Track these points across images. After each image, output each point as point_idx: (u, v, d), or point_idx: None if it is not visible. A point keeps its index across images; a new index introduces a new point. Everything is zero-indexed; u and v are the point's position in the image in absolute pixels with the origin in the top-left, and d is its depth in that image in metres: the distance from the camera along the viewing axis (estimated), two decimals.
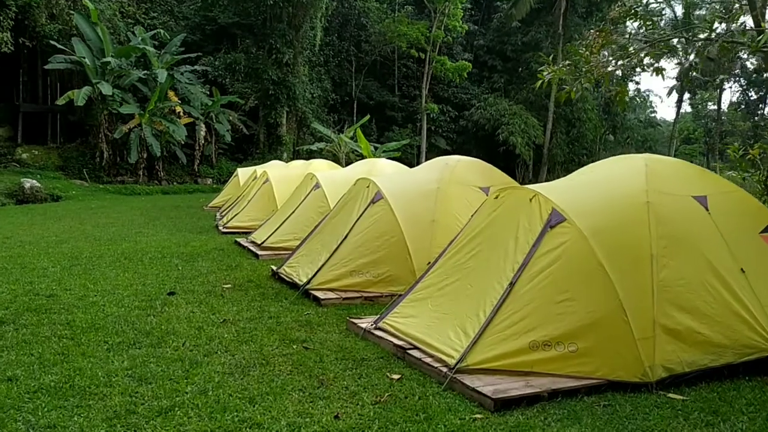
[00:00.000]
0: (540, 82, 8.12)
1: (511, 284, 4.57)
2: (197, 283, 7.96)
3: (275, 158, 28.69)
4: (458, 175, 7.83)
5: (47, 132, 29.93)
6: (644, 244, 4.67)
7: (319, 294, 7.00)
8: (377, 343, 5.37)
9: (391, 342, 5.18)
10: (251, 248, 10.71)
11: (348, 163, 22.50)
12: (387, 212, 7.31)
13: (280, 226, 10.54)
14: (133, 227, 14.30)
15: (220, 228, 13.94)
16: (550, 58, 9.82)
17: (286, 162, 21.00)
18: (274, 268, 8.48)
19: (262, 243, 10.45)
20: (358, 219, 7.45)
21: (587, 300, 4.44)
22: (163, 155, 27.45)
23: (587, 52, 7.80)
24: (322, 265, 7.27)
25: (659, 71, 7.99)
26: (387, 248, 7.16)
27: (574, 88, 8.32)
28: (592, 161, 34.29)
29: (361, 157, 25.54)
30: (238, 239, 11.89)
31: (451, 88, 42.79)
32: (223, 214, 16.76)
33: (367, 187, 7.75)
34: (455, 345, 4.61)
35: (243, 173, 19.28)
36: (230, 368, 4.83)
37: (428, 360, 4.74)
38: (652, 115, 69.46)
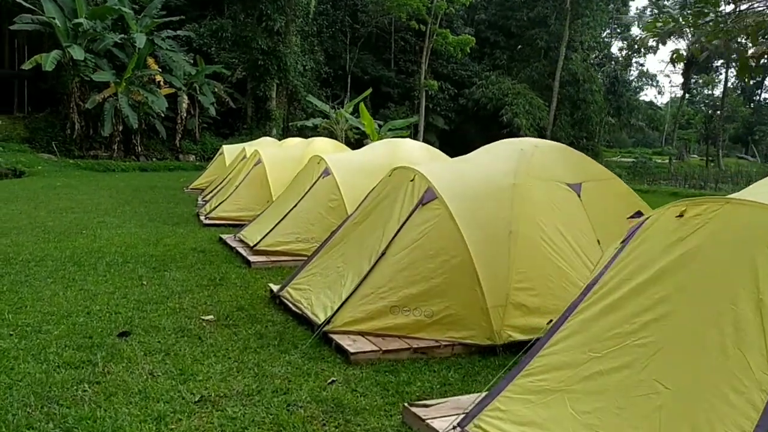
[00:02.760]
0: (648, 35, 5.85)
1: None
2: (165, 312, 5.61)
3: (264, 134, 26.21)
4: (538, 167, 5.50)
5: (13, 100, 27.24)
6: None
7: (347, 343, 4.67)
8: None
9: None
10: (240, 250, 8.35)
11: (348, 142, 20.06)
12: (444, 219, 4.98)
13: (278, 223, 8.17)
14: (96, 214, 11.87)
15: (202, 218, 11.55)
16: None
17: (279, 140, 18.57)
18: (274, 288, 6.14)
19: (255, 245, 8.07)
20: (400, 228, 5.12)
21: None
22: (141, 128, 24.92)
23: None
24: (350, 296, 4.94)
25: None
26: (446, 273, 4.84)
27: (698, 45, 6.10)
28: (593, 144, 31.92)
29: (363, 135, 23.08)
30: (223, 236, 9.51)
31: (451, 64, 40.42)
32: (205, 198, 14.35)
33: (411, 180, 5.40)
34: None
35: (229, 151, 16.83)
36: None
37: None
38: (658, 96, 67.92)
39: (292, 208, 8.19)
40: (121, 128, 24.36)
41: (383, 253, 5.04)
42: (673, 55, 6.88)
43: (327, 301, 5.18)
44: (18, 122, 25.71)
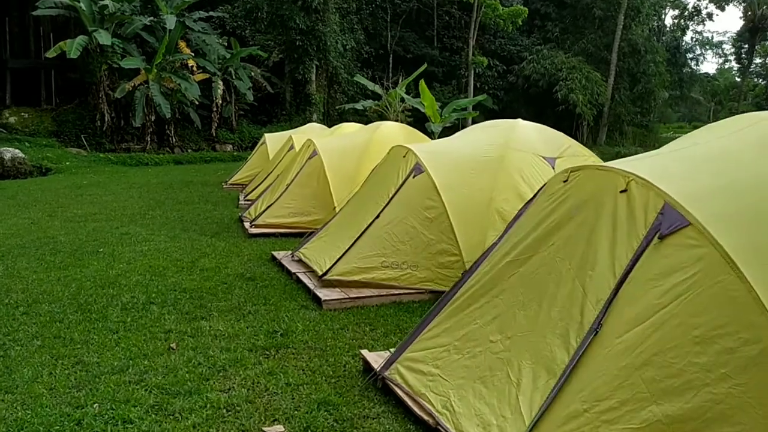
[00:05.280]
0: None
1: None
2: (205, 414, 3.44)
3: (304, 120, 24.06)
4: None
5: (40, 91, 25.56)
6: None
7: None
8: None
9: None
10: (303, 278, 6.16)
11: None
12: (715, 267, 2.63)
13: (357, 240, 5.93)
14: (120, 222, 9.87)
15: (246, 225, 9.40)
16: None
17: (328, 126, 16.33)
18: (372, 361, 3.91)
19: (325, 273, 5.85)
20: (621, 282, 2.83)
21: None
22: (174, 117, 23.03)
23: None
24: (542, 413, 2.68)
25: None
26: (734, 375, 2.50)
27: None
28: (648, 120, 28.95)
29: (419, 118, 20.63)
30: (276, 254, 7.33)
31: (498, 39, 37.78)
32: (248, 198, 12.25)
33: (623, 191, 3.09)
34: None
35: (273, 141, 14.71)
36: None
37: None
38: (726, 65, 63.66)
39: (373, 221, 5.94)
40: (153, 118, 22.53)
41: (596, 331, 2.74)
42: None
43: (487, 412, 2.92)
44: (45, 115, 24.08)
